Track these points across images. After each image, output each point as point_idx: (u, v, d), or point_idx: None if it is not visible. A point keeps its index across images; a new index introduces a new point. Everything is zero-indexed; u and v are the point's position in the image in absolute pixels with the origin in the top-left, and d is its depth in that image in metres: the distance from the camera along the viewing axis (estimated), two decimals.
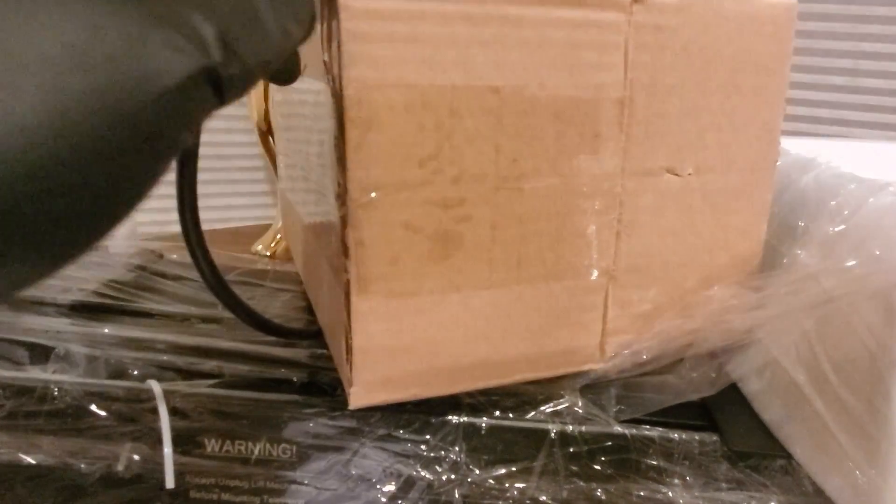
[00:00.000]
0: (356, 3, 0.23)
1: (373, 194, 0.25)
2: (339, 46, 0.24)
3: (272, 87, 0.46)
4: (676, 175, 0.31)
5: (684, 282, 0.33)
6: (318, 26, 0.25)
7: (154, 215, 0.91)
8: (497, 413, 0.31)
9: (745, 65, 0.31)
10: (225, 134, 0.95)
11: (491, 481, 0.29)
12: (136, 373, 0.33)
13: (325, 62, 0.25)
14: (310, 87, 0.30)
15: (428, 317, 0.28)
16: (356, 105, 0.24)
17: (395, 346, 0.27)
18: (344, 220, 0.25)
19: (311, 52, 0.27)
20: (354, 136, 0.25)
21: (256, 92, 0.76)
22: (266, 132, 0.76)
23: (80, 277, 0.43)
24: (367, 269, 0.26)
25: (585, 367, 0.32)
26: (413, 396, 0.29)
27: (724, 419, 0.32)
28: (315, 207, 0.33)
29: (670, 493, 0.29)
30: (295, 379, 0.33)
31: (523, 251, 0.29)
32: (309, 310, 0.41)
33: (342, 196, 0.25)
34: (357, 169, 0.25)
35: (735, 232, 0.34)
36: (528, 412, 0.31)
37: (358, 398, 0.27)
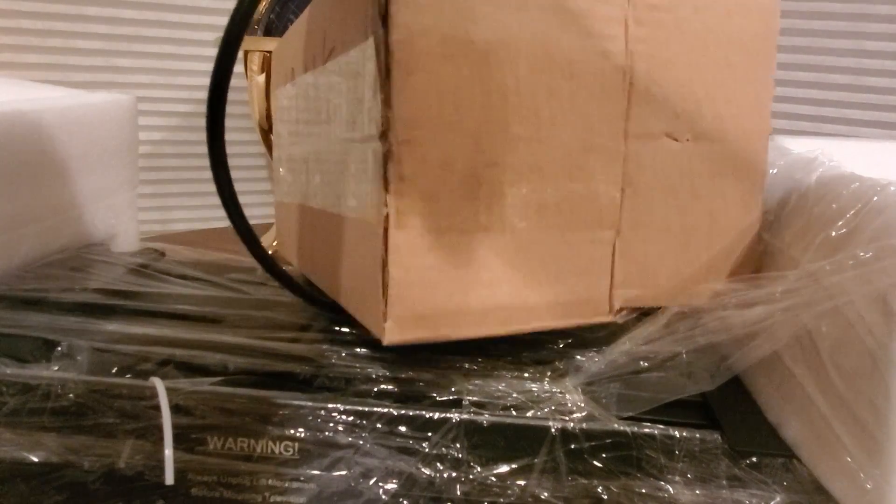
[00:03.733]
0: None
1: (413, 133, 0.28)
2: None
3: (280, 94, 0.46)
4: (675, 140, 0.34)
5: (688, 240, 0.35)
6: None
7: (155, 214, 0.91)
8: (498, 410, 0.31)
9: (735, 44, 0.34)
10: (226, 133, 0.95)
11: (492, 478, 0.29)
12: (139, 370, 0.33)
13: (373, 15, 0.28)
14: (342, 64, 0.33)
15: (458, 255, 0.30)
16: (402, 49, 0.27)
17: (428, 281, 0.29)
18: (386, 157, 0.27)
19: (344, 21, 0.31)
20: (399, 77, 0.27)
21: (258, 92, 0.76)
22: (268, 131, 0.76)
23: (83, 276, 0.43)
24: (406, 203, 0.28)
25: (596, 319, 0.34)
26: (443, 337, 0.30)
27: (725, 417, 0.32)
28: (336, 173, 0.35)
29: (671, 490, 0.29)
30: (298, 375, 0.33)
31: (542, 200, 0.31)
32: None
33: (385, 133, 0.27)
34: (400, 108, 0.27)
35: (734, 198, 0.36)
36: (530, 409, 0.31)
37: (392, 333, 0.29)
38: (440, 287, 0.29)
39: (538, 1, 0.29)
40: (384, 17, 0.27)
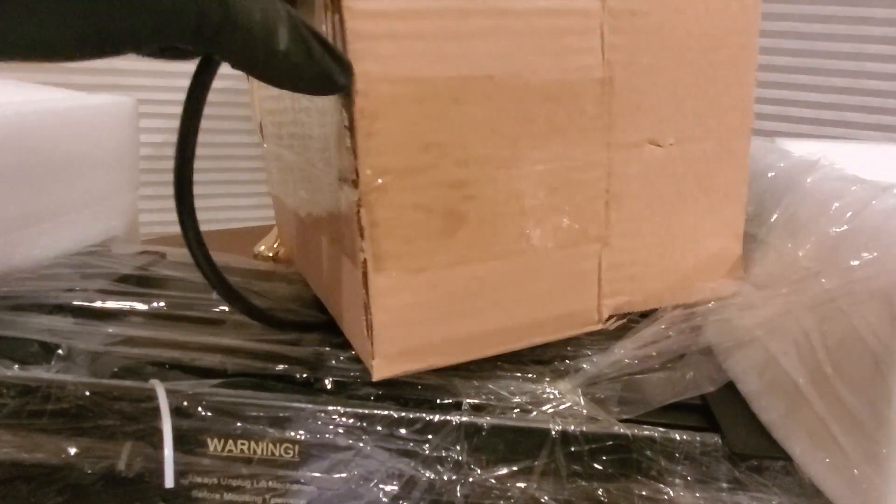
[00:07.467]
0: (357, 4, 0.25)
1: (384, 179, 0.27)
2: (344, 45, 0.25)
3: (263, 95, 0.46)
4: (659, 146, 0.33)
5: (673, 243, 0.35)
6: (324, 28, 0.26)
7: (155, 216, 0.91)
8: (499, 413, 0.31)
9: (716, 42, 0.33)
10: (226, 135, 0.95)
11: (492, 481, 0.29)
12: (139, 372, 0.33)
13: None
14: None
15: (441, 290, 0.29)
16: (364, 97, 0.26)
17: (412, 318, 0.29)
18: (358, 204, 0.27)
19: None
20: (364, 125, 0.26)
21: (259, 93, 0.76)
22: None
23: (83, 278, 0.43)
24: (382, 247, 0.28)
25: (586, 330, 0.34)
26: (431, 366, 0.30)
27: (725, 420, 0.32)
28: (317, 198, 0.34)
29: (671, 493, 0.29)
30: (298, 377, 0.33)
31: (524, 224, 0.30)
32: (311, 305, 0.41)
33: (355, 181, 0.27)
34: (368, 156, 0.26)
35: (718, 195, 0.36)
36: (530, 412, 0.31)
37: (380, 370, 0.29)
38: (425, 322, 0.29)
39: (508, 29, 0.28)
40: None
